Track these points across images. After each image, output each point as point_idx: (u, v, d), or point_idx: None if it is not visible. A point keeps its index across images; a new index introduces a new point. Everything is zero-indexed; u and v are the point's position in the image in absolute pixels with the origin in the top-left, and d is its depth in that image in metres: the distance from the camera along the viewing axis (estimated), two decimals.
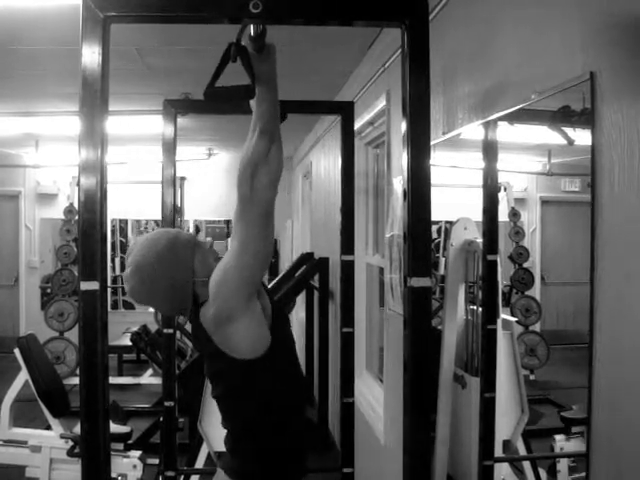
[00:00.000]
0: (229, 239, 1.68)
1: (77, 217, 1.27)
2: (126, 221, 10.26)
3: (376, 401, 3.81)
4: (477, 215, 2.15)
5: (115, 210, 7.83)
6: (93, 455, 1.19)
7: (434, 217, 1.21)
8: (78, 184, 1.17)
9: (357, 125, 3.57)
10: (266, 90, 1.51)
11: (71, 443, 3.78)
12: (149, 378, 6.77)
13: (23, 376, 3.95)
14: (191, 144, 7.25)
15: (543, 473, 2.18)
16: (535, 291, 2.62)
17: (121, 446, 3.88)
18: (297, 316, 7.13)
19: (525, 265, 2.67)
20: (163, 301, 1.76)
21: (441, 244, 3.22)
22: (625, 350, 1.30)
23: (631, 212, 1.27)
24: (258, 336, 1.67)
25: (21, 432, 4.01)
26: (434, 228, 3.56)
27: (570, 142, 1.75)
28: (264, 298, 1.73)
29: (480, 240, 2.19)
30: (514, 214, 2.63)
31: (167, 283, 1.72)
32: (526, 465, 2.27)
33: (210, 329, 1.69)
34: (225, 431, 1.82)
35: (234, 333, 1.65)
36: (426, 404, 1.21)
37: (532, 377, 2.51)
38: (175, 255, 1.74)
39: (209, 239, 1.84)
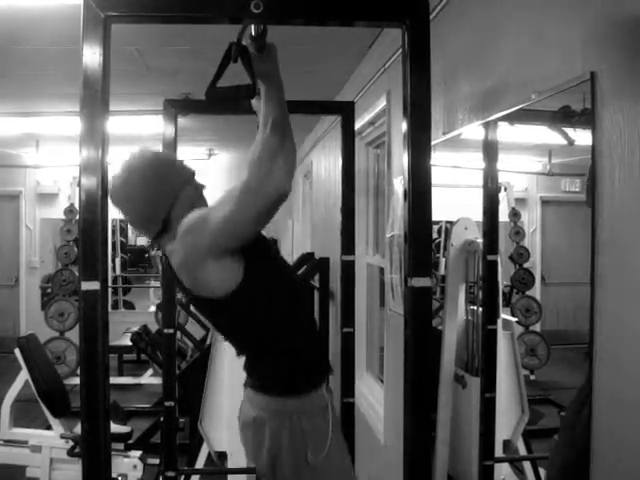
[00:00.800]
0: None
1: (78, 217, 1.27)
2: (126, 221, 10.28)
3: (376, 401, 3.81)
4: (477, 215, 2.15)
5: (115, 210, 7.82)
6: (93, 455, 1.19)
7: (434, 217, 1.22)
8: (79, 184, 1.18)
9: (357, 125, 3.57)
10: (271, 89, 1.51)
11: (71, 443, 3.78)
12: (149, 378, 6.77)
13: (23, 376, 3.95)
14: (191, 144, 7.25)
15: (543, 473, 2.18)
16: (535, 291, 2.62)
17: (121, 446, 3.88)
18: None
19: (525, 265, 2.67)
20: (133, 210, 1.77)
21: (441, 244, 3.22)
22: (625, 350, 1.30)
23: (631, 212, 1.27)
24: (223, 279, 1.68)
25: (21, 432, 4.01)
26: (434, 228, 3.56)
27: (570, 142, 1.75)
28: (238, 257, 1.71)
29: (480, 240, 2.19)
30: (514, 214, 2.63)
31: (144, 200, 1.75)
32: (526, 465, 2.27)
33: (178, 270, 1.73)
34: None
35: (198, 277, 1.69)
36: (426, 404, 1.21)
37: (532, 377, 2.51)
38: (169, 174, 1.77)
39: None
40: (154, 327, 6.37)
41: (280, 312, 1.78)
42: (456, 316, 2.46)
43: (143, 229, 1.82)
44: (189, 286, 1.74)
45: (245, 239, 1.65)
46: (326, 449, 1.72)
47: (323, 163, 5.82)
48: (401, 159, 1.21)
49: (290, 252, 8.15)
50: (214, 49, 1.50)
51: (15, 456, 3.91)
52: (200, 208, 1.73)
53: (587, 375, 1.39)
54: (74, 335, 6.20)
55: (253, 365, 1.83)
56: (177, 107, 2.85)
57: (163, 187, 1.75)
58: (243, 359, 1.86)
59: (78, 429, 3.68)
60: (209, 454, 3.37)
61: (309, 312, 1.94)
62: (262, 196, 1.54)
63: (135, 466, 3.79)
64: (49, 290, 7.47)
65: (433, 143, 1.25)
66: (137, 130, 5.88)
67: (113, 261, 9.21)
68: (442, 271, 2.83)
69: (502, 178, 2.22)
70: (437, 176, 1.26)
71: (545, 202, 2.56)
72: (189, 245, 1.65)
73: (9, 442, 3.94)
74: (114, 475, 3.71)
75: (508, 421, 2.27)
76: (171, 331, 2.86)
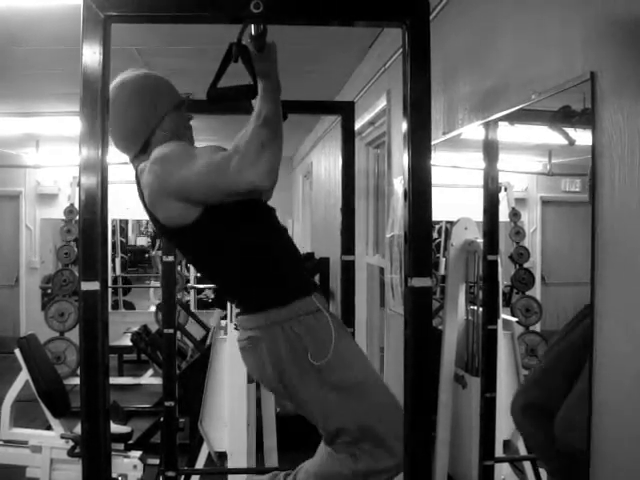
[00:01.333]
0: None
1: (78, 217, 1.27)
2: (126, 221, 10.27)
3: None
4: (478, 215, 2.15)
5: (115, 210, 7.83)
6: (93, 455, 1.19)
7: (435, 217, 1.21)
8: (79, 184, 1.17)
9: (358, 125, 3.57)
10: (269, 88, 1.51)
11: (72, 443, 3.77)
12: (149, 378, 6.76)
13: (24, 376, 3.95)
14: None
15: (543, 473, 2.18)
16: (536, 291, 2.62)
17: (121, 446, 3.87)
18: None
19: (526, 265, 2.67)
20: (117, 126, 1.75)
21: (442, 244, 3.22)
22: (625, 350, 1.30)
23: (631, 212, 1.27)
24: (185, 211, 1.67)
25: (21, 432, 4.00)
26: (434, 228, 3.56)
27: (571, 142, 1.75)
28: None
29: (481, 240, 2.19)
30: (515, 214, 2.63)
31: (130, 117, 1.76)
32: (527, 465, 2.27)
33: (143, 188, 1.74)
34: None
35: (160, 207, 1.70)
36: (426, 404, 1.21)
37: None
38: (156, 95, 1.78)
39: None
40: (154, 327, 6.36)
41: (249, 237, 1.76)
42: (456, 316, 2.47)
43: (123, 146, 1.82)
44: (152, 210, 1.74)
45: (202, 201, 1.66)
46: (330, 350, 1.66)
47: (323, 163, 5.82)
48: (401, 159, 1.21)
49: None
50: (214, 49, 1.50)
51: (15, 456, 3.90)
52: (181, 141, 1.74)
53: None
54: (74, 335, 6.20)
55: (235, 290, 1.83)
56: None
57: (148, 107, 1.76)
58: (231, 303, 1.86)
59: (78, 429, 3.68)
60: (209, 454, 3.37)
61: (286, 240, 1.89)
62: (235, 181, 1.55)
63: (135, 466, 3.79)
64: (49, 290, 7.46)
65: (433, 143, 1.25)
66: None
67: (113, 261, 9.21)
68: (442, 271, 2.83)
69: (502, 178, 2.22)
70: (437, 176, 1.26)
71: (545, 202, 2.56)
72: (156, 175, 1.66)
73: (9, 442, 3.94)
74: (114, 475, 3.71)
75: (508, 421, 2.27)
76: (171, 331, 2.86)
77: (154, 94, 1.78)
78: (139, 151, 1.79)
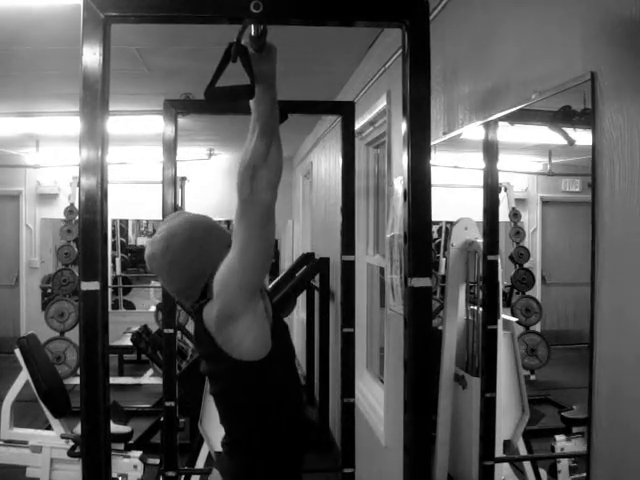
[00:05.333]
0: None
1: (78, 217, 1.27)
2: (126, 221, 10.28)
3: (377, 401, 3.81)
4: (478, 215, 2.15)
5: (115, 210, 7.83)
6: (94, 455, 1.19)
7: (435, 217, 1.21)
8: (79, 184, 1.17)
9: (358, 125, 3.57)
10: (265, 90, 1.51)
11: (72, 443, 3.78)
12: (150, 378, 6.77)
13: (24, 376, 3.95)
14: (192, 144, 7.25)
15: (544, 473, 2.18)
16: (536, 291, 2.62)
17: (122, 446, 3.88)
18: (298, 316, 7.13)
19: (526, 265, 2.67)
20: (173, 281, 1.75)
21: (442, 244, 3.22)
22: (625, 351, 1.30)
23: (632, 212, 1.27)
24: (260, 337, 1.66)
25: (22, 432, 4.01)
26: (435, 228, 3.56)
27: (571, 142, 1.75)
28: (266, 299, 1.72)
29: (481, 240, 2.19)
30: (515, 214, 2.63)
31: (187, 266, 1.72)
32: (527, 465, 2.27)
33: (212, 328, 1.68)
34: (223, 430, 1.82)
35: (236, 333, 1.64)
36: (427, 404, 1.21)
37: (533, 377, 2.51)
38: (207, 244, 1.74)
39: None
40: (154, 327, 6.37)
41: (282, 397, 1.75)
42: (456, 316, 2.46)
43: (183, 297, 1.79)
44: (220, 342, 1.66)
45: (267, 262, 1.62)
46: None
47: (323, 163, 5.82)
48: (401, 159, 1.21)
49: (290, 252, 8.15)
50: (214, 49, 1.50)
51: (15, 456, 3.91)
52: None
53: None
54: (74, 335, 6.21)
55: (234, 440, 1.78)
56: (177, 107, 2.84)
57: (203, 257, 1.72)
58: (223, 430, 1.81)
59: (78, 429, 3.68)
60: (209, 454, 3.37)
61: (301, 411, 1.88)
62: (262, 204, 1.53)
63: (135, 466, 3.80)
64: (49, 290, 7.47)
65: (433, 143, 1.25)
66: (137, 130, 5.89)
67: (113, 261, 9.21)
68: (442, 271, 2.83)
69: (502, 178, 2.21)
70: (437, 176, 1.26)
71: (545, 202, 2.56)
72: (227, 292, 1.61)
73: (9, 442, 3.95)
74: (114, 475, 3.71)
75: (508, 421, 2.27)
76: (171, 331, 2.86)
77: (207, 243, 1.74)
78: (201, 296, 1.74)
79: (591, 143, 1.38)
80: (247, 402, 1.73)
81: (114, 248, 9.32)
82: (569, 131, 1.74)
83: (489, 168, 2.07)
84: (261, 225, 1.57)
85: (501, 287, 2.28)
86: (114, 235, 9.41)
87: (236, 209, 1.59)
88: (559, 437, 2.10)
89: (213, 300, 1.66)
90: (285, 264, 8.04)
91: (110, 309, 7.59)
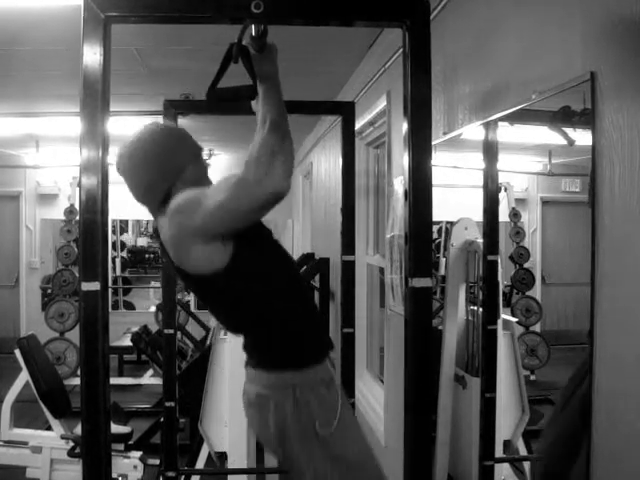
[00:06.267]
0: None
1: (78, 217, 1.27)
2: (126, 221, 10.27)
3: (377, 401, 3.81)
4: (478, 215, 2.15)
5: (115, 210, 7.81)
6: (94, 456, 1.19)
7: (435, 217, 1.22)
8: (79, 185, 1.17)
9: (358, 125, 3.57)
10: (270, 89, 1.51)
11: (72, 444, 3.78)
12: (150, 379, 6.77)
13: (24, 377, 3.95)
14: None
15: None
16: (536, 291, 2.62)
17: (122, 446, 3.88)
18: None
19: (526, 265, 2.67)
20: (137, 181, 1.77)
21: (442, 244, 3.22)
22: (625, 351, 1.30)
23: (632, 212, 1.27)
24: (211, 258, 1.66)
25: (22, 433, 4.01)
26: (435, 228, 3.56)
27: (570, 142, 1.75)
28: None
29: (481, 240, 2.19)
30: (515, 214, 2.63)
31: (152, 168, 1.74)
32: (527, 465, 2.27)
33: (165, 245, 1.73)
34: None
35: (185, 258, 1.68)
36: (427, 404, 1.21)
37: (533, 377, 2.51)
38: (177, 149, 1.76)
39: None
40: (154, 327, 6.37)
41: (274, 288, 1.75)
42: (456, 316, 2.47)
43: (144, 201, 1.81)
44: (177, 262, 1.73)
45: (233, 229, 1.64)
46: (335, 422, 1.67)
47: (323, 163, 5.82)
48: (401, 159, 1.21)
49: (290, 252, 8.15)
50: (214, 49, 1.50)
51: (15, 457, 3.90)
52: (198, 187, 1.71)
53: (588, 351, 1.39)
54: (74, 336, 6.20)
55: (251, 343, 1.80)
56: (177, 107, 2.85)
57: (169, 162, 1.74)
58: (243, 351, 1.83)
59: (78, 430, 3.68)
60: (209, 454, 3.37)
61: (306, 290, 1.91)
62: (257, 194, 1.52)
63: (135, 466, 3.79)
64: (49, 291, 7.46)
65: (433, 143, 1.25)
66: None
67: (113, 261, 9.21)
68: (442, 271, 2.83)
69: (502, 178, 2.22)
70: (437, 176, 1.26)
71: (545, 202, 2.56)
72: (178, 225, 1.65)
73: (9, 443, 3.94)
74: (114, 475, 3.71)
75: (508, 421, 2.27)
76: (171, 331, 2.86)
77: (174, 150, 1.76)
78: (160, 204, 1.75)
79: (591, 143, 1.38)
80: (239, 303, 1.75)
81: (114, 248, 9.31)
82: (569, 131, 1.74)
83: (489, 168, 2.07)
84: (251, 210, 1.57)
85: (501, 287, 2.28)
86: (114, 235, 9.41)
87: (237, 178, 1.55)
88: None
89: (166, 218, 1.68)
90: None
91: (110, 309, 7.57)
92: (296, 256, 7.05)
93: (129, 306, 9.35)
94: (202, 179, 1.79)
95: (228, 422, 3.18)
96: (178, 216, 1.64)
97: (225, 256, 1.66)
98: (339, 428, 1.68)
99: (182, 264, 1.72)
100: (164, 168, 1.74)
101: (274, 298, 1.74)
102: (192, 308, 7.43)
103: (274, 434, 1.72)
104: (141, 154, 1.75)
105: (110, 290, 8.65)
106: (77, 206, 5.34)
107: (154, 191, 1.75)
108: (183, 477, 3.53)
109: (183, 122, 2.80)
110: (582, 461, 1.41)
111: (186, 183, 1.72)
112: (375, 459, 1.85)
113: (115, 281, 9.19)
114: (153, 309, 7.63)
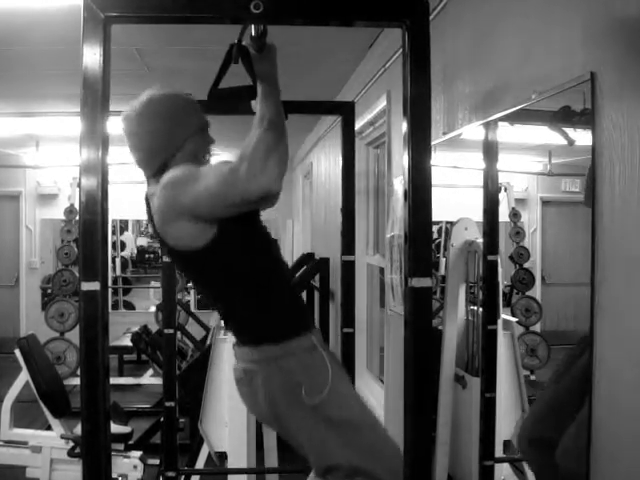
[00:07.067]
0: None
1: (78, 217, 1.27)
2: (126, 221, 10.27)
3: (377, 401, 3.81)
4: (478, 215, 2.15)
5: (115, 210, 7.81)
6: (94, 455, 1.19)
7: (435, 217, 1.21)
8: (79, 185, 1.17)
9: (358, 125, 3.57)
10: (268, 89, 1.51)
11: (72, 443, 3.77)
12: (150, 378, 6.76)
13: (24, 377, 3.94)
14: None
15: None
16: (536, 291, 2.62)
17: (122, 446, 3.87)
18: None
19: (526, 265, 2.67)
20: (139, 143, 1.77)
21: (442, 244, 3.22)
22: (625, 351, 1.30)
23: (632, 212, 1.27)
24: (196, 234, 1.67)
25: (22, 433, 4.00)
26: (435, 228, 3.56)
27: (570, 142, 1.75)
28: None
29: (481, 240, 2.19)
30: (515, 214, 2.63)
31: (156, 131, 1.73)
32: (526, 465, 2.27)
33: (153, 214, 1.73)
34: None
35: (170, 231, 1.70)
36: (427, 404, 1.21)
37: (533, 377, 2.51)
38: (183, 117, 1.75)
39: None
40: (154, 327, 6.36)
41: (256, 267, 1.76)
42: (456, 316, 2.47)
43: (142, 164, 1.81)
44: (161, 233, 1.73)
45: (218, 215, 1.65)
46: (325, 389, 1.67)
47: (323, 163, 5.82)
48: (401, 159, 1.21)
49: (290, 252, 8.15)
50: (214, 49, 1.50)
51: (15, 457, 3.90)
52: (195, 164, 1.71)
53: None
54: (74, 336, 6.20)
55: (235, 320, 1.82)
56: None
57: (174, 128, 1.73)
58: (228, 330, 1.87)
59: (78, 429, 3.68)
60: (209, 454, 3.37)
61: (286, 271, 1.94)
62: (249, 190, 1.52)
63: (135, 466, 3.79)
64: (49, 291, 7.46)
65: (433, 143, 1.25)
66: None
67: (113, 261, 9.21)
68: (442, 271, 2.83)
69: (502, 178, 2.22)
70: (437, 176, 1.26)
71: (545, 202, 2.56)
72: (167, 199, 1.65)
73: (9, 443, 3.94)
74: (114, 475, 3.71)
75: (508, 421, 2.27)
76: (171, 331, 2.86)
77: (180, 114, 1.75)
78: (156, 171, 1.75)
79: (591, 143, 1.38)
80: (221, 279, 1.76)
81: (114, 248, 9.31)
82: (569, 131, 1.74)
83: (489, 168, 2.07)
84: (239, 203, 1.57)
85: (501, 287, 2.28)
86: (114, 235, 9.41)
87: (229, 166, 1.56)
88: None
89: (158, 189, 1.68)
90: None
91: (110, 309, 7.58)
92: (296, 256, 7.05)
93: (129, 306, 9.34)
94: (202, 154, 1.79)
95: (228, 422, 3.18)
96: (169, 190, 1.65)
97: (209, 235, 1.67)
98: (330, 394, 1.68)
99: (165, 236, 1.73)
100: (167, 136, 1.73)
101: (254, 278, 1.75)
102: (192, 308, 7.43)
103: (264, 406, 1.73)
104: (148, 115, 1.74)
105: (110, 290, 8.65)
106: (77, 206, 5.33)
107: (154, 154, 1.75)
108: (183, 477, 3.52)
109: None
110: (575, 432, 1.41)
111: (186, 155, 1.73)
112: (378, 424, 1.85)
113: (115, 281, 9.18)
114: (153, 309, 7.63)
